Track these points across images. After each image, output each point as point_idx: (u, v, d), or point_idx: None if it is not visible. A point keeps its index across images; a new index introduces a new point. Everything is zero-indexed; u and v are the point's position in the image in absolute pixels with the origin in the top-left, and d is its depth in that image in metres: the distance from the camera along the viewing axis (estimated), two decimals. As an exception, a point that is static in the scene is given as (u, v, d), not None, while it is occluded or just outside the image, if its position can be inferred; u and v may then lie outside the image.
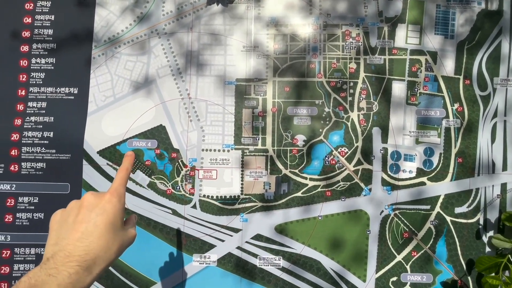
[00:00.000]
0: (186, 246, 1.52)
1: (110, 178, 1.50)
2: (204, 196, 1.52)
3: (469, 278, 1.48)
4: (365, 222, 1.51)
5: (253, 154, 1.53)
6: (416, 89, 1.60)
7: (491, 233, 1.54)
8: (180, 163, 1.56)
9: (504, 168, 1.57)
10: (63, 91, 1.57)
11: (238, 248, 1.51)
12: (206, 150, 1.54)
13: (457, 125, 1.60)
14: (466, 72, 1.60)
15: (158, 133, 1.56)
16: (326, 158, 1.53)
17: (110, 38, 1.57)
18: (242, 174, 1.53)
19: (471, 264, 1.49)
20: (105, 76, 1.55)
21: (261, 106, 1.59)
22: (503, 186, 1.56)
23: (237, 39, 1.62)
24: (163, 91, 1.57)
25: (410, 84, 1.58)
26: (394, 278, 1.52)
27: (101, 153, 1.51)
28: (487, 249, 1.55)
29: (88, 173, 1.50)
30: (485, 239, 1.54)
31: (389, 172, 1.52)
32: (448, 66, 1.61)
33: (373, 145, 1.53)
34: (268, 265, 1.53)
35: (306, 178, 1.56)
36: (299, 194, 1.55)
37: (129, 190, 1.50)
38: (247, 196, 1.53)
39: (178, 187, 1.54)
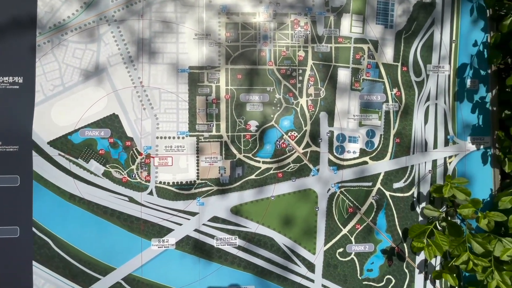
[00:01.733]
0: (144, 231, 1.49)
1: (63, 169, 1.38)
2: (160, 182, 1.45)
3: (405, 245, 1.54)
4: (314, 200, 1.53)
5: (208, 140, 1.48)
6: (359, 76, 1.62)
7: (423, 204, 1.62)
8: (135, 151, 1.48)
9: (435, 146, 1.68)
10: (6, 80, 1.39)
11: (196, 230, 1.47)
12: (161, 137, 1.47)
13: (396, 109, 1.68)
14: (403, 59, 1.63)
15: (111, 122, 1.46)
16: (278, 142, 1.51)
17: (56, 24, 1.41)
18: (197, 160, 1.48)
19: (406, 232, 1.53)
20: (52, 64, 1.41)
21: (214, 93, 1.54)
22: (434, 162, 1.67)
23: (189, 27, 1.55)
24: (115, 79, 1.45)
25: (354, 71, 1.58)
26: (341, 249, 1.57)
27: (52, 143, 1.39)
28: (420, 218, 1.63)
29: (39, 165, 1.38)
30: (418, 210, 1.59)
31: (335, 153, 1.54)
32: (388, 54, 1.67)
33: (320, 128, 1.53)
34: (225, 245, 1.54)
35: (259, 162, 1.56)
36: (252, 177, 1.55)
37: (83, 180, 1.39)
38: (203, 181, 1.49)
39: (133, 175, 1.47)
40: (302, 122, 1.51)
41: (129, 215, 1.40)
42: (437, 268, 1.57)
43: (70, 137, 1.39)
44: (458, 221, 1.56)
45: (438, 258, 1.57)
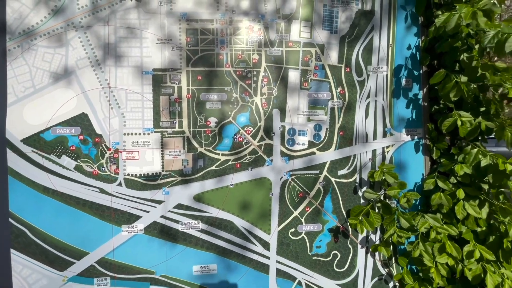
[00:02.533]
0: (114, 219, 1.62)
1: (36, 164, 1.45)
2: (128, 174, 1.55)
3: (348, 224, 1.70)
4: (268, 187, 1.67)
5: (171, 136, 1.59)
6: (308, 76, 1.77)
7: (364, 188, 1.83)
8: (104, 146, 1.58)
9: (375, 137, 1.86)
10: (-21, 83, 1.52)
11: (162, 216, 1.58)
12: (128, 134, 1.56)
13: (340, 105, 1.85)
14: (346, 61, 1.80)
15: (81, 120, 1.53)
16: (235, 136, 1.64)
17: (25, 30, 1.46)
18: (162, 153, 1.58)
19: (349, 213, 1.70)
20: (23, 67, 1.46)
21: (177, 93, 1.66)
22: (374, 151, 1.85)
23: (152, 33, 1.64)
24: (84, 81, 1.51)
25: (303, 72, 1.72)
26: (292, 229, 1.73)
27: (25, 141, 1.45)
28: (362, 201, 1.81)
29: (13, 161, 1.44)
30: (360, 193, 1.75)
31: (287, 145, 1.68)
32: (333, 56, 1.84)
33: (273, 123, 1.66)
34: (189, 229, 1.68)
35: (218, 154, 1.69)
36: (213, 168, 1.69)
37: (56, 174, 1.47)
38: (167, 172, 1.61)
39: (103, 168, 1.58)
40: (257, 118, 1.67)
41: (100, 205, 1.52)
42: (377, 243, 1.78)
43: (42, 135, 1.48)
44: (395, 203, 1.78)
45: (378, 234, 1.78)
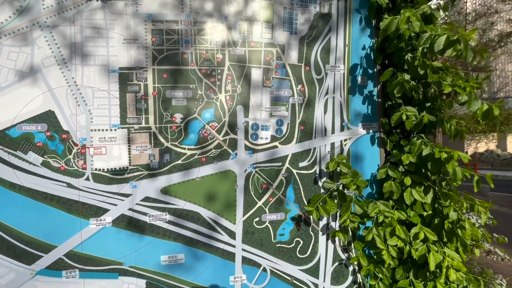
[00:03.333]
0: (82, 212, 1.62)
1: (2, 161, 1.44)
2: (96, 169, 1.53)
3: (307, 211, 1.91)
4: (233, 179, 1.72)
5: (138, 131, 1.59)
6: (269, 74, 1.81)
7: (324, 179, 1.94)
8: (71, 142, 1.56)
9: (333, 131, 1.94)
10: None
11: (130, 209, 1.57)
12: (95, 130, 1.54)
13: (300, 102, 1.94)
14: (306, 60, 1.86)
15: (48, 117, 1.51)
16: (200, 131, 1.66)
17: None
18: (129, 148, 1.59)
19: (310, 202, 1.84)
20: None
21: (143, 91, 1.66)
22: (332, 144, 1.92)
23: (118, 33, 1.65)
24: (50, 79, 1.48)
25: (265, 70, 1.75)
26: (257, 219, 1.77)
27: None
28: (322, 190, 1.91)
29: None
30: (320, 184, 1.82)
31: (250, 140, 1.72)
32: (293, 56, 1.91)
33: (237, 119, 1.69)
34: (157, 220, 1.71)
35: (184, 149, 1.73)
36: (179, 161, 1.71)
37: (22, 169, 1.45)
38: (134, 167, 1.59)
39: (71, 164, 1.57)
40: (222, 114, 1.73)
41: (68, 199, 1.53)
42: (336, 230, 1.88)
43: (7, 131, 1.48)
44: (352, 193, 1.88)
45: (337, 222, 1.88)
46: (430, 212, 1.74)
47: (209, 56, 1.67)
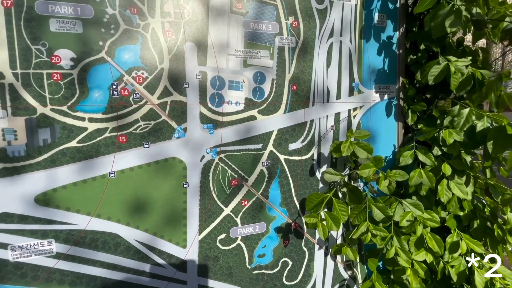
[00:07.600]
0: None
1: None
2: None
3: (303, 219, 1.10)
4: (180, 173, 0.91)
5: None
6: None
7: (324, 168, 1.26)
8: None
9: (338, 96, 1.24)
10: None
11: None
12: None
13: (292, 45, 1.16)
14: None
15: None
16: (114, 87, 0.83)
17: None
18: None
19: (304, 204, 1.09)
20: None
21: None
22: (337, 116, 1.23)
23: None
24: None
25: None
26: (223, 236, 0.99)
27: None
28: (320, 185, 1.15)
29: None
30: (318, 175, 1.12)
31: (210, 105, 0.93)
32: None
33: (186, 67, 0.89)
34: (31, 255, 0.88)
35: (83, 119, 0.84)
36: (73, 144, 0.83)
37: None
38: None
39: None
40: (156, 56, 0.90)
41: None
42: (339, 240, 1.21)
43: None
44: (362, 185, 1.22)
45: (340, 228, 1.22)
46: (468, 211, 1.15)
47: None
